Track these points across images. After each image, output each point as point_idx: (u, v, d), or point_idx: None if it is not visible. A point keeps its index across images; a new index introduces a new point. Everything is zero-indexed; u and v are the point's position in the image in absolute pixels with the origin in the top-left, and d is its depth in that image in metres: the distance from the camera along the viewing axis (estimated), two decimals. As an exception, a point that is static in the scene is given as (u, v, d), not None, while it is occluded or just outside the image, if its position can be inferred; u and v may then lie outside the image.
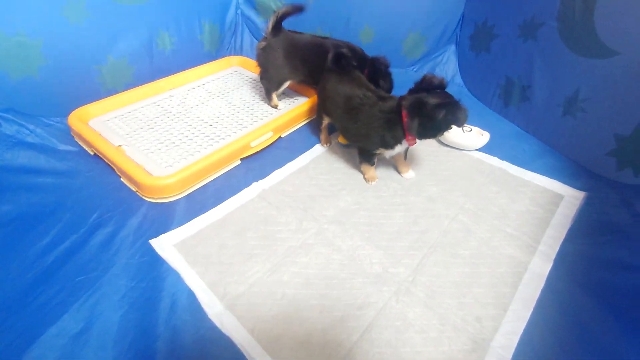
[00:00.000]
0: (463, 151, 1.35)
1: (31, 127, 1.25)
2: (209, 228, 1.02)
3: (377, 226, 1.06)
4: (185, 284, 0.87)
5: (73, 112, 1.28)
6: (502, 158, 1.32)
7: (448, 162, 1.29)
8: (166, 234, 0.98)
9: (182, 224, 1.02)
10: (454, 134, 1.31)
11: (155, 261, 0.92)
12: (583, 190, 1.18)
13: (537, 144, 1.40)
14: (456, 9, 1.69)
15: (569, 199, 1.16)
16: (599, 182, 1.21)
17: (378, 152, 1.12)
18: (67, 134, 1.29)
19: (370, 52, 1.84)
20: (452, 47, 1.78)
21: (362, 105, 1.09)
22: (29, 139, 1.22)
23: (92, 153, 1.23)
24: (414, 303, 0.86)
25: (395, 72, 1.85)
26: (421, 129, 1.01)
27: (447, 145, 1.37)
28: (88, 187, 1.10)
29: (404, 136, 1.05)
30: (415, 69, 1.85)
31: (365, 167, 1.18)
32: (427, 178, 1.22)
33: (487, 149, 1.36)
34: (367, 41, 1.78)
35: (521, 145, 1.40)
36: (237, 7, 1.80)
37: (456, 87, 1.76)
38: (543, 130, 1.39)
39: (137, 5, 1.38)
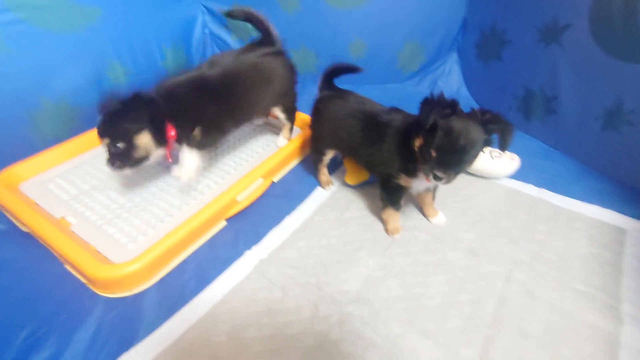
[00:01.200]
0: (491, 180, 1.14)
1: (-64, 203, 0.93)
2: (193, 331, 0.74)
3: (414, 300, 0.81)
4: None
5: (-4, 176, 0.97)
6: (537, 184, 1.12)
7: (477, 195, 1.07)
8: (131, 351, 0.70)
9: (155, 328, 0.74)
10: (480, 160, 1.10)
11: (117, 403, 0.63)
12: (642, 219, 0.98)
13: (573, 164, 1.20)
14: (456, 13, 1.50)
15: (633, 233, 0.96)
16: (660, 208, 1.02)
17: (403, 182, 0.88)
18: (-9, 205, 0.98)
19: (362, 67, 1.62)
20: (454, 56, 1.59)
21: (390, 121, 0.88)
22: None
23: (25, 230, 0.92)
24: None
25: (391, 87, 1.65)
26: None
27: (470, 175, 1.15)
28: (17, 286, 0.79)
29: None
30: (414, 83, 1.64)
31: (389, 212, 0.94)
32: (459, 221, 0.99)
33: (516, 172, 1.15)
34: (359, 55, 1.56)
35: (554, 166, 1.20)
36: (204, 26, 1.54)
37: (463, 100, 1.53)
38: (578, 147, 1.20)
39: (75, 34, 1.08)
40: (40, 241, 0.88)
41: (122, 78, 1.25)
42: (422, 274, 0.86)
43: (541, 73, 1.24)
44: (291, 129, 1.20)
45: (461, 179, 1.12)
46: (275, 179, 1.13)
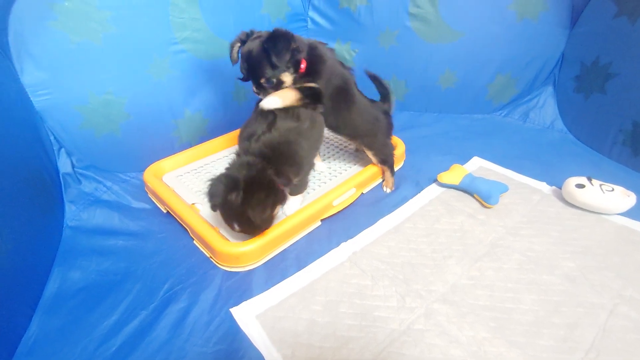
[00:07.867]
0: (600, 215, 1.08)
1: (108, 183, 1.21)
2: (295, 297, 0.86)
3: (504, 312, 0.82)
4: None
5: (148, 168, 1.23)
6: (647, 222, 1.04)
7: (582, 228, 1.03)
8: (248, 301, 0.85)
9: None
10: (589, 194, 1.06)
11: (235, 351, 0.75)
12: None
13: (692, 204, 1.10)
14: (555, 48, 1.50)
15: None
16: None
17: None
18: (142, 190, 1.24)
19: (449, 97, 1.68)
20: (550, 89, 1.57)
21: None
22: (105, 197, 1.18)
23: (164, 211, 1.15)
24: None
25: (479, 117, 1.68)
26: None
27: (575, 207, 1.11)
28: (160, 252, 1.00)
29: None
30: (503, 114, 1.65)
31: None
32: (558, 249, 0.97)
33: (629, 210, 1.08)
34: (448, 86, 1.64)
35: (668, 205, 1.10)
36: (308, 57, 1.77)
37: (557, 133, 1.52)
38: (699, 186, 1.10)
39: (216, 62, 1.36)
40: (177, 220, 1.09)
41: (242, 98, 1.51)
42: (514, 290, 0.86)
43: (653, 107, 1.19)
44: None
45: (561, 210, 1.10)
46: (365, 190, 1.23)
